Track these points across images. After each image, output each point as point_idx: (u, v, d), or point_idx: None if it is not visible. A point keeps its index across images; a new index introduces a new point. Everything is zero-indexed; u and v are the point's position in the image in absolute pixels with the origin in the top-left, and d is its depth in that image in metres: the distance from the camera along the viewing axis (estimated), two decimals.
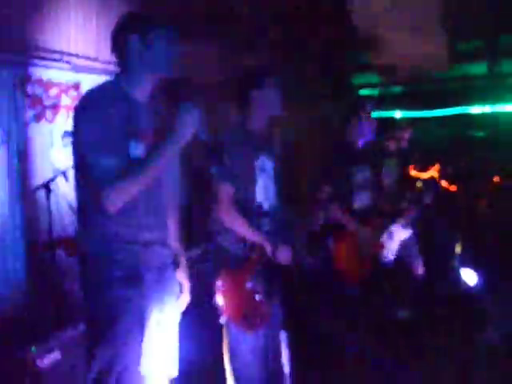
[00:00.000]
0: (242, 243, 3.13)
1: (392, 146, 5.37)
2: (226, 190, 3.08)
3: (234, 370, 3.23)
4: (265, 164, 3.31)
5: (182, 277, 2.81)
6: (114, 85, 2.46)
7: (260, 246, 3.07)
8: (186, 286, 2.83)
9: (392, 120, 5.37)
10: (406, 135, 5.34)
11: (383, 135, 5.27)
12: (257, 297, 3.09)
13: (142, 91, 2.49)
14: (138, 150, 2.40)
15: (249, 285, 3.09)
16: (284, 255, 3.13)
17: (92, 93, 2.40)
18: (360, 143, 4.43)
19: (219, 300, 3.12)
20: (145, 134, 2.45)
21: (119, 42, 2.45)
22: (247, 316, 3.09)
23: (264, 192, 3.27)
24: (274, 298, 3.19)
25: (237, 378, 3.21)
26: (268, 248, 3.07)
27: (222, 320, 3.19)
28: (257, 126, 3.33)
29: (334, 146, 4.44)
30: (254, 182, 3.22)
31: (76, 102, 2.41)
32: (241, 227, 3.10)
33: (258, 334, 3.12)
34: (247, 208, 3.13)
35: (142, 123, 2.45)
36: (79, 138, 2.33)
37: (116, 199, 2.27)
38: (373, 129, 4.43)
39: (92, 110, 2.31)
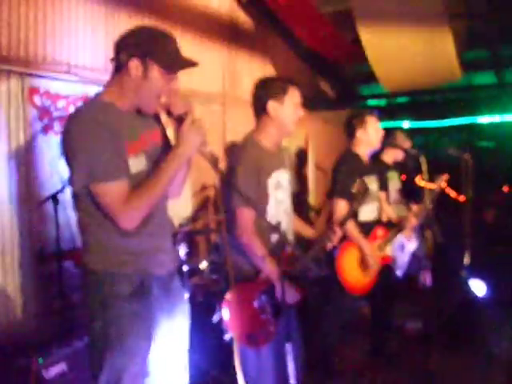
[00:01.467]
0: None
1: (389, 157, 5.36)
2: (246, 215, 3.04)
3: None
4: (280, 178, 3.28)
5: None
6: (101, 102, 2.38)
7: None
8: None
9: (391, 132, 5.32)
10: (405, 147, 5.31)
11: (382, 147, 5.24)
12: (263, 315, 3.07)
13: (129, 107, 2.43)
14: (139, 162, 2.40)
15: (256, 303, 3.07)
16: (291, 296, 3.10)
17: (80, 117, 2.32)
18: (367, 154, 4.42)
19: (225, 315, 3.11)
20: (142, 143, 2.44)
21: (121, 57, 2.35)
22: (251, 334, 3.07)
23: (277, 207, 3.24)
24: (283, 315, 3.14)
25: None
26: (277, 287, 3.04)
27: (227, 336, 3.18)
28: (272, 143, 3.29)
29: (341, 158, 4.42)
30: (267, 200, 3.18)
31: (65, 127, 2.32)
32: (256, 255, 3.07)
33: (262, 351, 3.10)
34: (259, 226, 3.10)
35: (136, 133, 2.43)
36: (79, 168, 2.25)
37: (136, 217, 2.28)
38: (380, 139, 4.42)
39: (86, 136, 2.23)
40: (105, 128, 2.26)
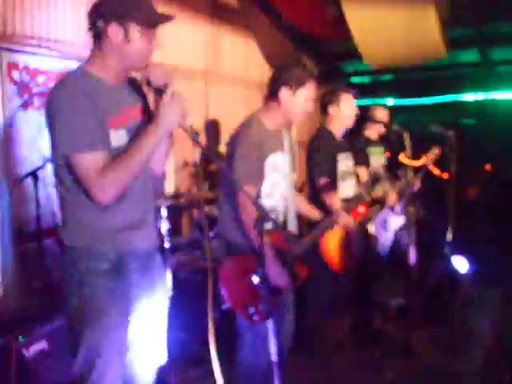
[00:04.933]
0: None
1: (373, 133, 5.34)
2: (247, 193, 3.04)
3: (239, 358, 3.27)
4: (277, 161, 3.29)
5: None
6: (83, 73, 2.34)
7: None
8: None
9: (368, 106, 5.32)
10: (384, 119, 5.30)
11: (362, 121, 5.22)
12: (260, 290, 3.05)
13: (114, 77, 2.39)
14: (119, 137, 2.36)
15: (253, 276, 3.06)
16: (281, 279, 3.09)
17: (62, 87, 2.28)
18: (340, 131, 4.41)
19: (221, 287, 3.11)
20: (123, 118, 2.40)
21: (98, 26, 2.31)
22: (247, 307, 3.08)
23: (271, 189, 3.25)
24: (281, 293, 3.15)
25: (240, 364, 3.25)
26: (270, 267, 3.02)
27: (225, 306, 3.18)
28: (275, 126, 3.31)
29: (315, 135, 4.41)
30: (262, 179, 3.20)
31: (47, 98, 2.28)
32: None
33: (257, 327, 3.09)
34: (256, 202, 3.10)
35: (118, 107, 2.39)
36: (59, 137, 2.22)
37: (111, 191, 2.24)
38: (354, 117, 4.40)
39: (67, 105, 2.20)
40: (86, 98, 2.22)
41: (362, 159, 4.81)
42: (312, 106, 3.31)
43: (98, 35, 2.33)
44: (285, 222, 3.37)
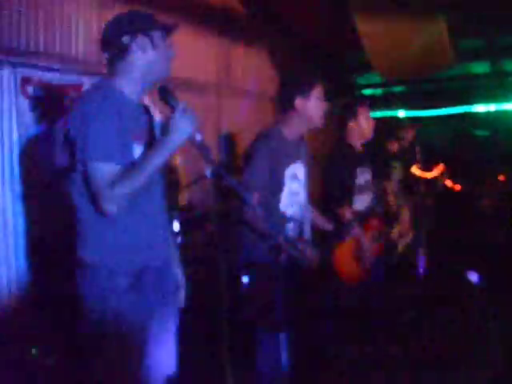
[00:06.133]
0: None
1: (395, 146, 5.35)
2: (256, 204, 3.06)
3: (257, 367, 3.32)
4: (297, 170, 3.34)
5: (178, 273, 2.82)
6: (109, 87, 2.41)
7: None
8: (182, 281, 2.84)
9: (395, 120, 5.34)
10: (409, 135, 5.32)
11: (386, 136, 5.26)
12: None
13: (137, 92, 2.47)
14: (141, 151, 2.41)
15: None
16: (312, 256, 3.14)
17: (90, 99, 2.34)
18: (360, 144, 4.41)
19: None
20: (142, 135, 2.45)
21: (122, 41, 2.40)
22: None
23: (291, 198, 3.29)
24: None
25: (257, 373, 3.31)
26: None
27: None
28: (295, 136, 3.40)
29: (334, 148, 4.42)
30: (281, 189, 3.24)
31: (74, 106, 2.37)
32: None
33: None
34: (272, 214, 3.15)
35: (140, 124, 2.46)
36: (81, 145, 2.26)
37: (118, 203, 2.26)
38: (372, 129, 4.41)
39: (94, 116, 2.25)
40: (115, 111, 2.29)
41: (384, 173, 4.81)
42: (325, 104, 3.41)
43: (123, 51, 2.40)
44: (301, 231, 3.42)
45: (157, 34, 2.45)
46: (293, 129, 3.40)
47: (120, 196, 2.26)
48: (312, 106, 3.36)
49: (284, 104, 3.43)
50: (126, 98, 2.43)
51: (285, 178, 3.29)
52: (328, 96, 3.47)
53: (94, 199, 2.29)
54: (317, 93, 3.38)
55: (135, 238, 2.44)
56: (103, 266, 2.38)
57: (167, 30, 2.51)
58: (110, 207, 2.26)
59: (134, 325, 2.39)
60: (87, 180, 2.30)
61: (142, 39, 2.40)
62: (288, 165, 3.31)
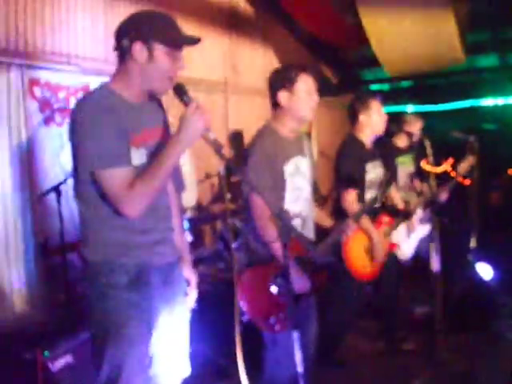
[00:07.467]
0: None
1: (403, 141, 5.31)
2: (258, 202, 3.02)
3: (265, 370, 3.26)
4: (299, 165, 3.27)
5: (188, 273, 2.79)
6: (107, 90, 2.36)
7: None
8: (194, 282, 2.82)
9: (401, 115, 5.27)
10: (416, 129, 5.27)
11: (393, 131, 5.21)
12: (280, 298, 3.03)
13: (138, 95, 2.41)
14: (139, 155, 2.37)
15: (272, 286, 3.04)
16: (301, 283, 3.05)
17: (86, 104, 2.29)
18: (371, 139, 4.35)
19: (240, 298, 3.09)
20: (144, 137, 2.42)
21: (123, 44, 2.32)
22: (267, 317, 3.07)
23: (296, 194, 3.24)
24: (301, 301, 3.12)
25: (266, 376, 3.24)
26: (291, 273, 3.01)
27: (245, 318, 3.18)
28: (289, 131, 3.30)
29: (344, 144, 4.36)
30: (284, 187, 3.19)
31: (72, 115, 2.30)
32: (269, 239, 3.03)
33: (279, 337, 3.09)
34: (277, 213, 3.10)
35: (139, 126, 2.40)
36: (84, 153, 2.24)
37: (140, 203, 2.25)
38: (384, 124, 4.35)
39: (92, 122, 2.21)
40: (110, 115, 2.24)
41: (391, 169, 4.76)
42: (316, 97, 3.28)
43: (123, 53, 2.34)
44: (303, 227, 3.35)
45: (159, 47, 2.31)
46: (284, 124, 3.26)
47: (141, 196, 2.24)
48: (297, 99, 3.20)
49: (271, 100, 3.30)
50: (123, 100, 2.37)
51: (285, 174, 3.19)
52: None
53: (113, 206, 2.26)
54: (302, 85, 3.21)
55: (139, 237, 2.42)
56: (103, 264, 2.37)
57: (177, 47, 2.37)
58: (132, 209, 2.24)
59: (132, 324, 2.36)
60: (98, 188, 2.27)
61: (140, 47, 2.29)
62: (286, 161, 3.19)
